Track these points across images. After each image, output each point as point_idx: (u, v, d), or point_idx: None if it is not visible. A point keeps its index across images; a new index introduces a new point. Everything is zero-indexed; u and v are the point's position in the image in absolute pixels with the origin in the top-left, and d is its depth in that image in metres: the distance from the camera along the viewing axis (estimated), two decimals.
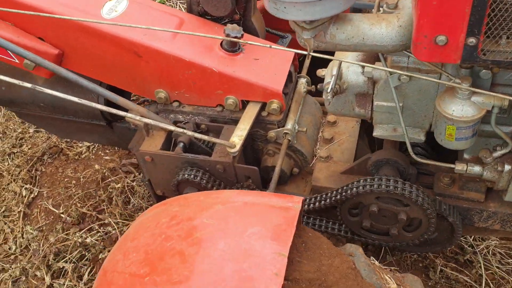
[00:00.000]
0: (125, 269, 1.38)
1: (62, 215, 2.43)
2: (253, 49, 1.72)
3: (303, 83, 1.83)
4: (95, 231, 2.30)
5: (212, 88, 1.70)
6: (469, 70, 1.26)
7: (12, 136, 2.84)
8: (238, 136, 1.60)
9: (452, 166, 1.47)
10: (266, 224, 1.30)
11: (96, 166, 2.60)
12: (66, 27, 1.70)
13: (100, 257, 2.17)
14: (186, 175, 1.66)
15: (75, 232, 2.28)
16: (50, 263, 2.19)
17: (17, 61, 1.76)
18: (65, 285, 2.14)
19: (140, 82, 1.77)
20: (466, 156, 1.49)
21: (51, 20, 1.68)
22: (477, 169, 1.43)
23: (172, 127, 1.58)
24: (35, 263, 2.20)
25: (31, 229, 2.41)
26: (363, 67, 1.46)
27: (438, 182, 1.62)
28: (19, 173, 2.64)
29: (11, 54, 1.74)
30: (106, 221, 2.31)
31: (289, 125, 1.68)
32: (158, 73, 1.72)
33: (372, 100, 1.49)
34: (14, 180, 2.61)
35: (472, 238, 2.09)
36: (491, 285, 1.97)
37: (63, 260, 2.18)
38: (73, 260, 2.18)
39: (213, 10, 1.73)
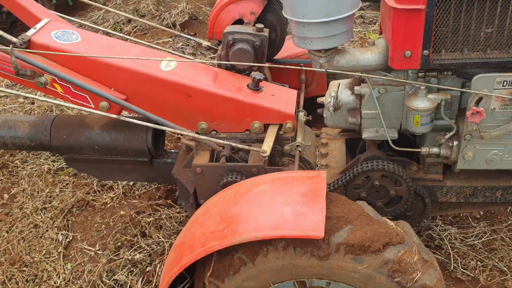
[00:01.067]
0: (205, 231, 1.90)
1: (98, 251, 2.84)
2: (269, 89, 2.42)
3: (301, 114, 2.52)
4: (141, 250, 2.73)
5: (243, 116, 2.34)
6: (422, 79, 2.00)
7: (41, 196, 3.26)
8: (267, 145, 2.23)
9: (419, 150, 2.16)
10: (305, 185, 1.91)
11: (122, 212, 3.07)
12: (133, 78, 2.32)
13: (148, 269, 2.59)
14: (229, 178, 2.23)
15: (124, 252, 2.69)
16: (103, 280, 2.58)
17: (92, 105, 2.33)
18: None
19: (187, 116, 2.38)
20: (426, 144, 2.20)
21: (120, 73, 2.30)
22: (435, 149, 2.13)
23: (217, 141, 2.20)
24: (91, 280, 2.57)
25: (71, 265, 2.78)
26: (352, 90, 2.18)
27: (408, 170, 2.30)
28: (53, 223, 3.04)
29: (89, 99, 2.32)
30: (148, 241, 2.75)
31: (299, 139, 2.33)
32: (202, 109, 2.35)
33: (360, 111, 2.19)
34: (50, 228, 3.00)
35: (438, 228, 2.75)
36: (458, 258, 2.61)
37: (114, 276, 2.57)
38: (124, 274, 2.58)
39: (238, 63, 2.43)
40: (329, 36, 1.87)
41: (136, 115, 2.78)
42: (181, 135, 2.28)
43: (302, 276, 1.85)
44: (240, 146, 2.21)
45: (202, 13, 5.65)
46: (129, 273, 2.61)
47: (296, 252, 1.77)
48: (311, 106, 2.58)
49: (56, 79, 2.26)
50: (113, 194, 3.22)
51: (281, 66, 2.41)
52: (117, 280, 2.58)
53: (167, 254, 2.67)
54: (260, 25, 2.42)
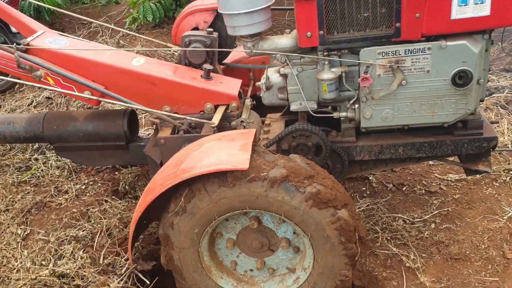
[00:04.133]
0: (163, 176, 2.46)
1: (55, 240, 3.25)
2: (218, 78, 3.04)
3: (248, 101, 3.13)
4: (84, 228, 3.28)
5: (197, 99, 2.95)
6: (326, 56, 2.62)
7: (4, 201, 3.77)
8: (215, 118, 2.83)
9: (331, 115, 2.75)
10: (239, 137, 2.49)
11: (74, 210, 3.58)
12: (110, 72, 2.94)
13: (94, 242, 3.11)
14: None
15: (70, 231, 3.22)
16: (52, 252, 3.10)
17: (77, 93, 2.95)
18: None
19: (154, 101, 2.98)
20: (340, 111, 2.79)
21: (100, 68, 2.93)
22: (343, 113, 2.72)
23: (174, 115, 2.80)
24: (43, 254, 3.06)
25: (27, 252, 3.20)
26: (280, 72, 2.80)
27: (330, 136, 2.88)
28: (14, 220, 3.53)
29: (75, 89, 2.94)
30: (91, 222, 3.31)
31: (243, 116, 2.93)
32: (165, 94, 2.96)
33: (286, 88, 2.80)
34: (11, 225, 3.49)
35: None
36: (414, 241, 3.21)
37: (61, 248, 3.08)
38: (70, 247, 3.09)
39: (194, 60, 3.06)
40: (251, 24, 2.52)
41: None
42: (149, 113, 2.88)
43: (238, 207, 2.38)
44: (193, 119, 2.81)
45: None
46: (74, 248, 3.09)
47: (229, 184, 2.33)
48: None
49: (49, 73, 2.89)
50: (68, 196, 3.76)
51: (231, 64, 3.05)
52: (64, 250, 3.06)
53: (107, 231, 3.20)
54: (210, 29, 3.08)
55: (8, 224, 3.51)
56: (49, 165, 4.13)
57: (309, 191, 2.28)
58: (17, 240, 3.33)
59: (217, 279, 2.63)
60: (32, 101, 5.16)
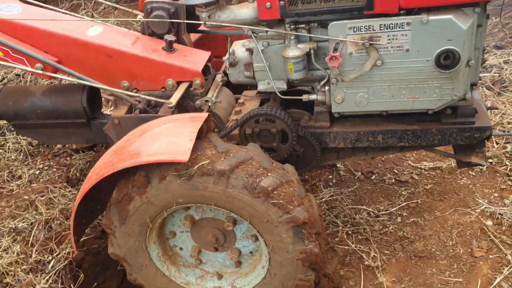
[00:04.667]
0: (101, 164, 2.21)
1: None
2: (182, 51, 2.73)
3: (219, 77, 2.82)
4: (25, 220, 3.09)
5: (158, 75, 2.66)
6: (294, 31, 2.28)
7: None
8: (174, 98, 2.54)
9: (301, 97, 2.43)
10: (187, 123, 2.21)
11: (25, 196, 3.39)
12: (62, 42, 2.68)
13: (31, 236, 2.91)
14: None
15: (9, 222, 3.03)
16: None
17: (29, 67, 2.70)
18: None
19: (111, 76, 2.71)
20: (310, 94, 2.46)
21: (52, 38, 2.67)
22: (313, 96, 2.39)
23: (128, 93, 2.52)
24: None
25: None
26: (245, 46, 2.47)
27: (302, 120, 2.56)
28: None
29: (26, 62, 2.69)
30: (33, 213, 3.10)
31: (209, 95, 2.63)
32: (122, 68, 2.68)
33: (253, 65, 2.48)
34: None
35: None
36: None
37: None
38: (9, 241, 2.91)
39: (157, 29, 2.76)
40: None
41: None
42: (103, 90, 2.61)
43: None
44: (148, 97, 2.53)
45: None
46: (14, 241, 2.91)
47: (169, 177, 2.07)
48: None
49: None
50: (20, 182, 3.57)
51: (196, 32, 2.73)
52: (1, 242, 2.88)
53: (47, 224, 3.01)
54: None
55: None
56: (7, 147, 3.94)
57: (261, 186, 2.01)
58: None
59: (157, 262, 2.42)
60: (3, 79, 4.90)
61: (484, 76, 3.99)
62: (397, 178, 3.31)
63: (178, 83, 2.67)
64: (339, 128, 2.51)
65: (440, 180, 3.22)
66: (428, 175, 3.29)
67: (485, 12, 2.13)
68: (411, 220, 2.94)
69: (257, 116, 2.45)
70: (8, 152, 3.91)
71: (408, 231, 2.87)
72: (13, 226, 3.01)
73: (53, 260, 2.61)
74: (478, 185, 3.13)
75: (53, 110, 2.93)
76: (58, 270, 2.39)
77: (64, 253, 2.65)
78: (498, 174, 3.18)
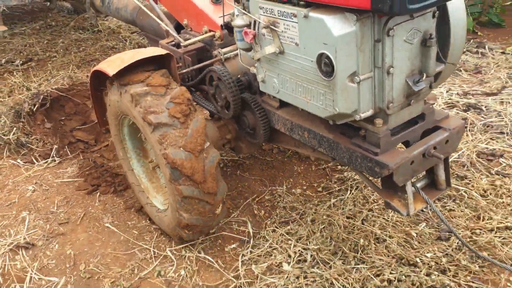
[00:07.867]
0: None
1: None
2: (226, 6, 3.06)
3: None
4: None
5: (198, 19, 3.10)
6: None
7: None
8: (191, 40, 2.97)
9: (249, 67, 2.50)
10: (145, 51, 2.67)
11: None
12: None
13: None
14: None
15: None
16: None
17: None
18: None
19: (179, 14, 3.29)
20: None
21: None
22: (254, 70, 2.44)
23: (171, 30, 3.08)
24: None
25: None
26: None
27: (264, 96, 2.62)
28: None
29: None
30: None
31: (224, 50, 2.93)
32: (183, 8, 3.22)
33: None
34: None
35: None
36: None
37: None
38: None
39: None
40: None
41: None
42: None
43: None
44: (174, 34, 3.03)
45: None
46: None
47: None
48: None
49: None
50: None
51: None
52: None
53: None
54: None
55: None
56: None
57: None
58: None
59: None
60: None
61: None
62: None
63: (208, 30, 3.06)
64: (282, 113, 2.49)
65: None
66: None
67: (385, 26, 1.79)
68: None
69: (207, 73, 2.67)
70: None
71: None
72: None
73: None
74: None
75: None
76: None
77: None
78: None
